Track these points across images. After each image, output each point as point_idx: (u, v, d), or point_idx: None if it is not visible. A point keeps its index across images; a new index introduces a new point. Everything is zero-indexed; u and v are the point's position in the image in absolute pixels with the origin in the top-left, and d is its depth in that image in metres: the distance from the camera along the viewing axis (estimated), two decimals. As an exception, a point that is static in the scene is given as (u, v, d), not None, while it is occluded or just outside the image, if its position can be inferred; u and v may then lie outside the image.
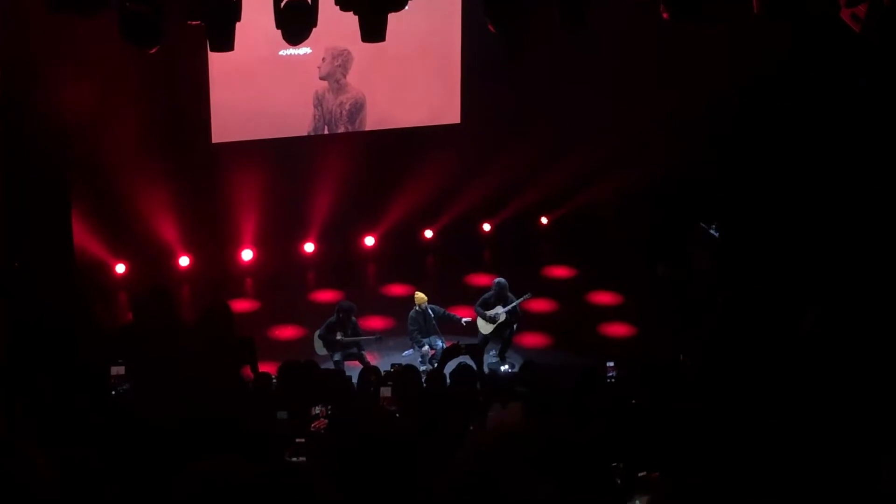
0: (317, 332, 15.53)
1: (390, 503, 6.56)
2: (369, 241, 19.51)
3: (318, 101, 18.24)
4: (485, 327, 16.01)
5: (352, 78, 18.21)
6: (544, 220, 20.39)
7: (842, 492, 6.21)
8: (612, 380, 11.52)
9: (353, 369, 14.16)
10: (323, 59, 17.91)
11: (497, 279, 16.21)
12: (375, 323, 17.01)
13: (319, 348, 15.43)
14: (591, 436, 7.78)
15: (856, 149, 16.18)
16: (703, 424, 8.01)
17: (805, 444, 7.11)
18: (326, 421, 10.57)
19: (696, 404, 9.05)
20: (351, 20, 11.35)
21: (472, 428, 8.95)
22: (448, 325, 16.05)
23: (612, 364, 11.74)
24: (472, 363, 14.30)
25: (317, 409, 10.80)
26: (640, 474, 6.16)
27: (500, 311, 15.90)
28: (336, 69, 18.07)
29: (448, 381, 11.53)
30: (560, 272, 19.29)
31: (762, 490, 5.98)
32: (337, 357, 15.31)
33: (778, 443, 7.07)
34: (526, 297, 16.18)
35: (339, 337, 15.30)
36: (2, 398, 8.48)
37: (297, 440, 9.83)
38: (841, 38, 11.51)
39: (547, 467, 3.61)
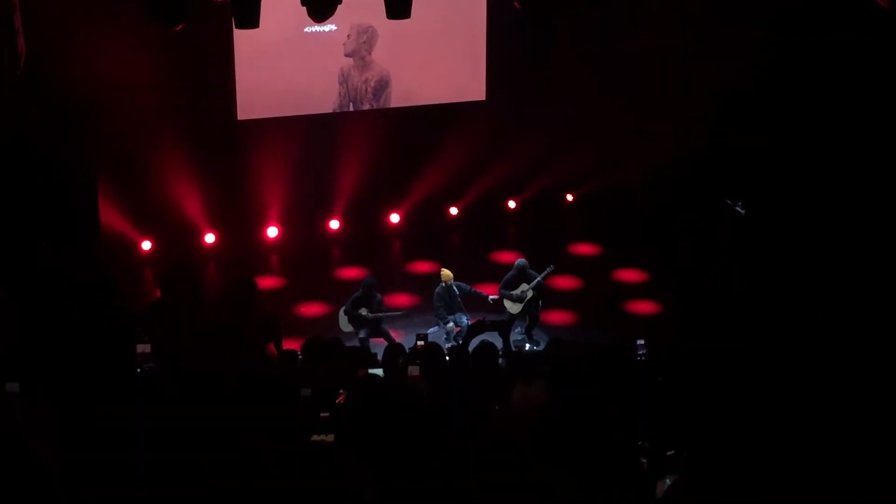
0: (342, 308, 15.55)
1: (415, 476, 6.57)
2: (394, 218, 19.51)
3: (343, 78, 18.22)
4: (513, 307, 15.96)
5: (377, 55, 18.18)
6: (569, 198, 20.34)
7: (863, 464, 6.19)
8: (643, 358, 11.47)
9: (379, 347, 14.18)
10: (348, 35, 17.89)
11: (517, 260, 16.15)
12: (401, 300, 17.02)
13: (344, 325, 15.44)
14: (617, 414, 7.76)
15: (882, 130, 16.04)
16: (729, 402, 7.97)
17: (826, 420, 7.08)
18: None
19: (724, 384, 9.01)
20: (376, -3, 11.34)
21: (496, 407, 8.92)
22: (474, 302, 16.03)
23: (642, 342, 11.68)
24: (495, 340, 14.29)
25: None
26: (668, 453, 6.14)
27: (525, 289, 15.86)
28: (361, 46, 18.04)
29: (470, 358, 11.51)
30: (585, 249, 19.24)
31: (787, 467, 5.96)
32: (362, 334, 15.32)
33: (800, 419, 7.05)
34: (549, 269, 16.12)
35: (364, 313, 15.30)
36: (24, 376, 8.51)
37: (322, 415, 9.80)
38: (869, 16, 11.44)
39: (570, 446, 3.61)
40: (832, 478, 5.71)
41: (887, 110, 15.49)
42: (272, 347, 13.00)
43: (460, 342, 14.55)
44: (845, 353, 10.53)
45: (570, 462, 4.58)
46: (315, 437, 8.65)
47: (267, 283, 17.32)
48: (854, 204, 15.57)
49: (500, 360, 11.44)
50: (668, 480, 5.73)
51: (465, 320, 15.53)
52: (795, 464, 5.97)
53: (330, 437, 8.76)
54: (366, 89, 18.36)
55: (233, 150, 17.99)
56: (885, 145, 15.40)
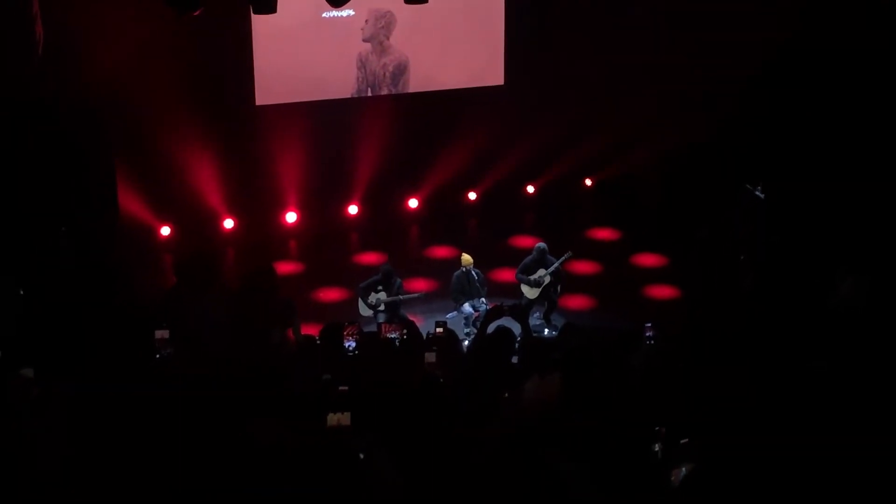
0: (360, 284, 15.56)
1: (429, 459, 6.58)
2: (413, 203, 19.51)
3: (362, 63, 18.21)
4: (530, 292, 15.95)
5: (395, 40, 18.16)
6: (588, 182, 20.32)
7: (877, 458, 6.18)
8: (651, 341, 11.44)
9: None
10: (366, 20, 17.87)
11: (538, 244, 16.15)
12: (419, 285, 17.01)
13: (364, 309, 15.46)
14: (632, 401, 7.75)
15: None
16: (745, 390, 7.97)
17: (843, 409, 7.07)
18: None
19: (738, 369, 8.99)
20: (393, -18, 11.31)
21: (505, 394, 8.88)
22: (492, 288, 16.02)
23: (649, 325, 11.64)
24: (513, 325, 14.28)
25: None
26: (682, 441, 6.12)
27: (543, 274, 15.85)
28: (379, 31, 18.02)
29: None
30: (604, 234, 19.22)
31: (801, 457, 5.96)
32: (381, 319, 15.31)
33: (815, 408, 7.04)
34: (567, 256, 16.11)
35: (382, 297, 15.29)
36: (41, 364, 8.55)
37: (341, 388, 9.71)
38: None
39: (582, 442, 3.61)
40: (845, 466, 5.71)
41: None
42: (290, 333, 13.01)
43: (478, 327, 14.54)
44: (863, 340, 10.50)
45: (581, 449, 4.59)
46: (331, 417, 8.54)
47: (286, 268, 17.36)
48: (872, 188, 15.52)
49: (517, 346, 11.39)
50: (683, 468, 5.72)
51: (483, 305, 15.53)
52: (807, 454, 5.97)
53: (346, 417, 8.66)
54: (384, 74, 18.36)
55: (251, 136, 18.01)
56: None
